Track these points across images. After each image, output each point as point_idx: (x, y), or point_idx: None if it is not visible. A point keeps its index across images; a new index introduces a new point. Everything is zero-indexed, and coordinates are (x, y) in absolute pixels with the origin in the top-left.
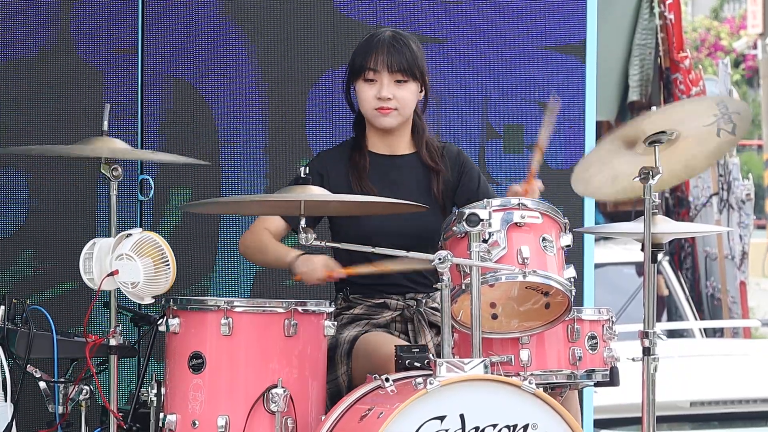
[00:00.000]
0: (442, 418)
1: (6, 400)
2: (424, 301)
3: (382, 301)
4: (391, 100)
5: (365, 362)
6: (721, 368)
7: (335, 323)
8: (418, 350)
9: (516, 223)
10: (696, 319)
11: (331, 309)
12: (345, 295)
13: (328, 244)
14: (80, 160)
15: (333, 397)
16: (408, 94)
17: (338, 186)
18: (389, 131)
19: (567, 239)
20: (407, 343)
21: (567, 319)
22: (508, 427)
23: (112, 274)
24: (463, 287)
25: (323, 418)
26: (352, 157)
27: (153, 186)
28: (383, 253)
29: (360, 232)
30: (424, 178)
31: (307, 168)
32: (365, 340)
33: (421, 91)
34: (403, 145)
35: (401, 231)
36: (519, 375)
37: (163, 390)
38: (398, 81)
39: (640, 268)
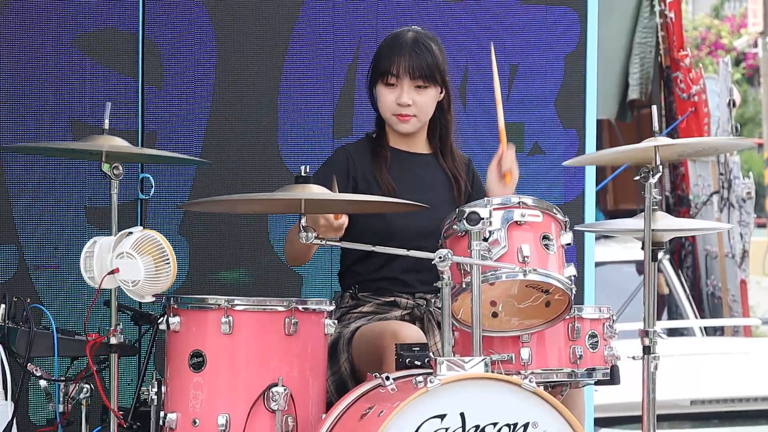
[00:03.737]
0: (442, 417)
1: (6, 399)
2: (433, 301)
3: (392, 299)
4: (410, 107)
5: (366, 348)
6: (721, 367)
7: (335, 321)
8: (418, 348)
9: (516, 222)
10: (696, 317)
11: (332, 307)
12: (353, 293)
13: (328, 242)
14: (81, 158)
15: (338, 388)
16: (427, 100)
17: (365, 176)
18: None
19: (567, 237)
20: (403, 330)
21: (567, 317)
22: (508, 425)
23: (112, 272)
24: (464, 285)
25: (323, 416)
26: (375, 150)
27: (154, 184)
28: (383, 252)
29: (385, 229)
30: (446, 179)
31: (333, 158)
32: (366, 328)
33: (441, 92)
34: (420, 144)
35: (428, 230)
36: (519, 373)
37: (163, 388)
38: (419, 87)
39: (640, 266)
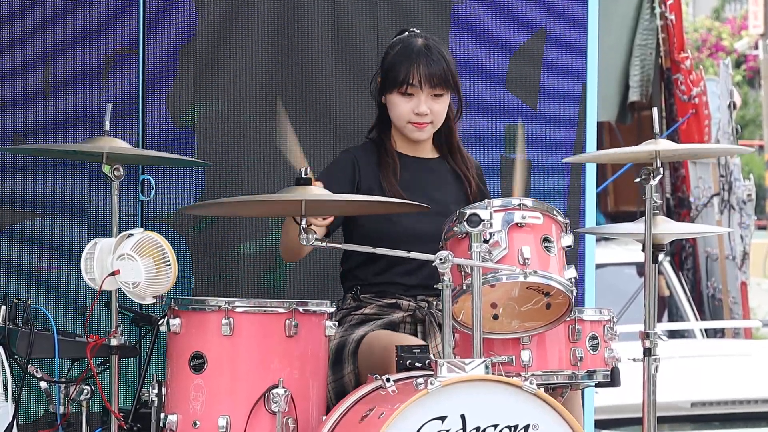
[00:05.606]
0: (443, 419)
1: (7, 400)
2: (435, 303)
3: (393, 301)
4: (427, 115)
5: (371, 360)
6: (722, 369)
7: (336, 323)
8: (419, 350)
9: (517, 224)
10: (697, 319)
11: (332, 309)
12: (355, 295)
13: (329, 244)
14: (81, 160)
15: (338, 396)
16: (443, 107)
17: (369, 182)
18: None
19: (568, 239)
20: (408, 343)
21: (568, 319)
22: (509, 427)
23: (113, 273)
24: (464, 287)
25: (324, 418)
26: (381, 157)
27: (154, 186)
28: (384, 254)
29: (393, 234)
30: (457, 181)
31: (338, 161)
32: (371, 337)
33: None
34: (427, 149)
35: (437, 235)
36: (520, 375)
37: (164, 390)
38: (436, 95)
39: (640, 268)
